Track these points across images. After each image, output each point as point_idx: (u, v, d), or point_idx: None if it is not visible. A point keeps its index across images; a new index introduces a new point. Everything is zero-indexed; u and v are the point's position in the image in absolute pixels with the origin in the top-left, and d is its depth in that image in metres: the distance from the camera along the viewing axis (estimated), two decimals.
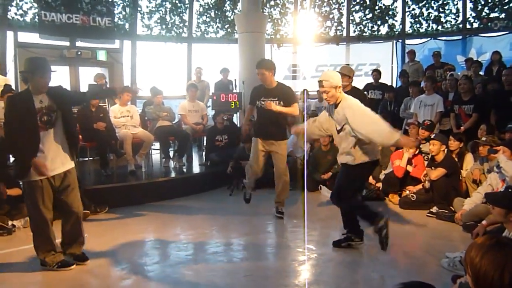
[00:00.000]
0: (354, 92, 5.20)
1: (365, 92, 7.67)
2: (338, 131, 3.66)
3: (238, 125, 8.20)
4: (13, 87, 6.34)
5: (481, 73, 7.92)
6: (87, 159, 6.49)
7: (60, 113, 3.34)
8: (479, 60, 8.71)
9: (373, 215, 3.64)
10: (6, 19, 8.41)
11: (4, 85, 5.90)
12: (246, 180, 5.11)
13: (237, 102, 8.03)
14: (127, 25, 9.88)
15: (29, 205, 3.40)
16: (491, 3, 9.88)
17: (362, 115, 3.46)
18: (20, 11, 8.62)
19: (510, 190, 2.58)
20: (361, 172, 3.70)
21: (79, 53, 8.79)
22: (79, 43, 9.16)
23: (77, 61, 8.97)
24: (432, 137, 5.45)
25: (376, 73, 8.48)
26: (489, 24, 9.84)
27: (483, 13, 9.98)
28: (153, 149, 7.18)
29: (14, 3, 8.54)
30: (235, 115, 8.87)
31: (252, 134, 4.97)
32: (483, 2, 9.95)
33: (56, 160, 3.33)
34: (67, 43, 9.03)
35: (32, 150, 3.21)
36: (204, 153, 7.67)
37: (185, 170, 6.77)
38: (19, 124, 3.18)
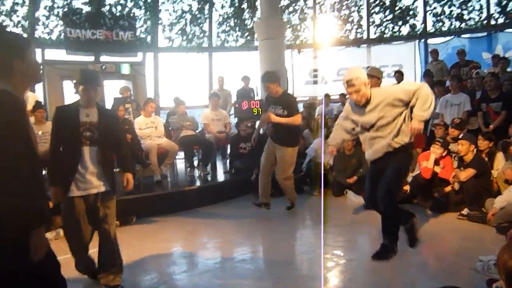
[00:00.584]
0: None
1: None
2: (369, 128, 3.43)
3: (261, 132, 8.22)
4: (42, 103, 6.55)
5: (509, 69, 7.68)
6: (114, 170, 6.60)
7: (104, 133, 3.20)
8: (506, 56, 8.46)
9: (406, 213, 3.48)
10: (33, 38, 8.74)
11: (36, 101, 6.12)
12: (258, 199, 5.26)
13: (259, 109, 8.04)
14: (149, 38, 10.10)
15: (63, 220, 3.34)
16: None
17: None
18: (47, 29, 8.96)
19: None
20: (407, 156, 3.44)
21: (103, 67, 9.01)
22: (103, 58, 9.39)
23: (102, 75, 9.17)
24: (460, 137, 5.33)
25: (399, 74, 8.35)
26: None
27: (508, 8, 9.70)
28: (178, 158, 7.27)
29: (40, 23, 8.88)
30: (257, 121, 8.89)
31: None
32: None
33: (92, 179, 3.17)
34: (92, 58, 9.28)
35: (72, 163, 3.10)
36: (228, 161, 7.71)
37: (209, 178, 6.81)
38: (62, 134, 3.13)
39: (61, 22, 8.97)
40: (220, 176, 7.19)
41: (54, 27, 9.03)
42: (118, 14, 9.60)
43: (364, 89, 3.33)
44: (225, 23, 10.73)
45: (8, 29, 8.48)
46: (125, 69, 9.52)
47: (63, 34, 8.87)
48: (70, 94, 8.97)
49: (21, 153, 1.67)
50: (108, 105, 7.66)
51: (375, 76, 4.95)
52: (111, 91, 8.73)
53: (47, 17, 8.98)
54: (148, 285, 3.45)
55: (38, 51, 8.82)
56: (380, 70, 5.31)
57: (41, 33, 8.92)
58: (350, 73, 3.40)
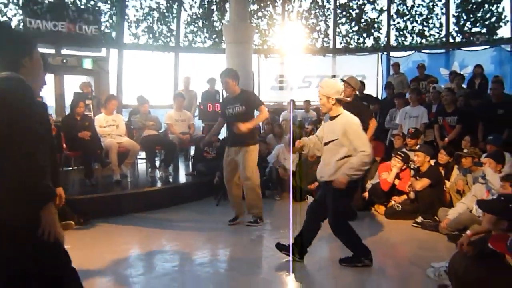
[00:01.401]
0: (355, 104, 5.29)
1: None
2: (326, 143, 3.64)
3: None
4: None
5: (464, 86, 8.08)
6: (71, 168, 6.39)
7: None
8: (462, 73, 8.90)
9: (365, 250, 3.65)
10: None
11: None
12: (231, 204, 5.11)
13: None
14: (114, 34, 9.85)
15: None
16: (473, 18, 10.17)
17: (360, 134, 3.52)
18: (5, 18, 8.52)
19: (502, 198, 2.61)
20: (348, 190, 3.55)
21: (64, 61, 8.71)
22: (64, 51, 9.08)
23: (62, 69, 8.87)
24: (417, 148, 5.55)
25: (360, 84, 8.55)
26: (471, 38, 10.11)
27: (466, 28, 10.25)
28: (139, 158, 7.12)
29: None
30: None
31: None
32: (465, 17, 10.23)
33: None
34: (53, 51, 8.94)
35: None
36: (191, 163, 7.63)
37: (171, 180, 6.70)
38: None
39: (20, 11, 8.57)
40: (182, 178, 7.11)
41: (13, 15, 8.62)
42: (82, 6, 9.30)
43: (324, 100, 3.52)
44: (193, 23, 10.65)
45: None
46: (87, 64, 9.24)
47: (22, 23, 8.48)
48: None
49: (35, 131, 1.77)
50: (68, 100, 7.41)
51: (350, 85, 5.08)
52: (72, 86, 8.45)
53: (6, 5, 8.54)
54: (104, 287, 3.34)
55: None
56: (358, 81, 5.43)
57: None
58: (322, 82, 3.66)
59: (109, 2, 9.71)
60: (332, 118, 3.61)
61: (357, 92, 5.35)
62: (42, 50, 8.52)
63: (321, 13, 11.06)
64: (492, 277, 1.28)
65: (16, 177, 1.72)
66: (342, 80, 5.47)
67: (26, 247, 1.79)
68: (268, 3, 11.01)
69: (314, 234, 3.78)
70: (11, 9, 8.58)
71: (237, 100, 4.78)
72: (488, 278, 1.29)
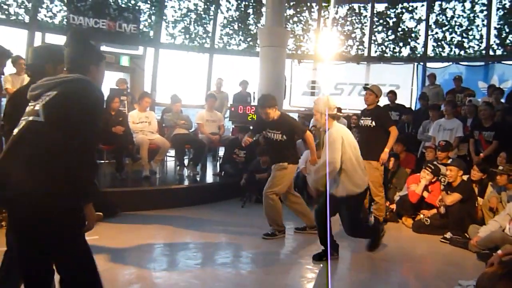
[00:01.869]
0: (377, 110, 5.28)
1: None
2: None
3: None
4: None
5: (502, 100, 7.80)
6: (103, 161, 6.57)
7: None
8: (501, 87, 8.59)
9: (377, 230, 4.23)
10: (35, 21, 8.67)
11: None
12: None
13: (255, 115, 8.06)
14: (151, 33, 10.08)
15: None
16: None
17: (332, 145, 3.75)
18: (50, 13, 8.88)
19: None
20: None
21: None
22: (103, 48, 9.35)
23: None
24: (449, 162, 5.40)
25: (392, 94, 8.38)
26: None
27: (507, 41, 9.88)
28: (169, 156, 7.24)
29: (44, 6, 8.82)
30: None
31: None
32: (507, 30, 9.86)
33: None
34: None
35: None
36: (219, 163, 7.69)
37: (198, 179, 6.79)
38: None
39: (65, 8, 8.92)
40: (209, 178, 7.18)
41: (57, 11, 8.96)
42: (123, 5, 9.57)
43: (317, 115, 3.95)
44: (229, 26, 10.75)
45: (11, 9, 8.43)
46: (125, 61, 9.50)
47: (65, 19, 8.82)
48: None
49: (99, 132, 2.08)
50: (104, 95, 7.60)
51: (374, 92, 5.11)
52: (108, 81, 8.69)
53: (51, 1, 8.91)
54: (127, 279, 3.41)
55: (38, 35, 8.77)
56: (381, 89, 5.40)
57: (43, 16, 8.85)
58: (315, 99, 4.13)
59: (148, 2, 9.95)
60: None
61: (379, 100, 5.39)
62: None
63: (357, 21, 10.93)
64: None
65: (73, 171, 1.87)
66: (365, 87, 5.45)
67: (65, 236, 1.95)
68: (305, 8, 10.98)
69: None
70: (56, 5, 8.94)
71: (278, 127, 4.65)
72: None
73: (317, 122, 4.00)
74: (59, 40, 8.94)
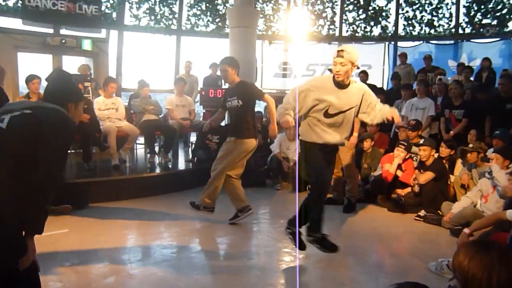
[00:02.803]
0: None
1: None
2: (339, 112, 3.38)
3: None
4: None
5: (472, 78, 7.92)
6: (69, 151, 6.28)
7: None
8: (470, 65, 8.73)
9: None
10: None
11: None
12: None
13: None
14: (114, 14, 9.63)
15: None
16: (484, 9, 9.92)
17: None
18: None
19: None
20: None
21: (63, 41, 8.52)
22: (63, 31, 8.89)
23: (61, 49, 8.70)
24: (421, 142, 5.43)
25: (363, 74, 8.35)
26: (481, 30, 9.89)
27: (476, 19, 10.02)
28: (138, 143, 7.01)
29: None
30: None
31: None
32: (476, 8, 9.99)
33: None
34: (51, 31, 8.75)
35: None
36: (191, 149, 7.52)
37: (170, 166, 6.62)
38: None
39: None
40: (181, 165, 7.03)
41: None
42: None
43: (349, 66, 3.25)
44: (197, 6, 10.41)
45: None
46: (87, 45, 9.06)
47: (20, 2, 8.28)
48: (25, 66, 8.45)
49: (65, 160, 2.15)
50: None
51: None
52: (70, 67, 8.29)
53: None
54: (102, 272, 3.27)
55: None
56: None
57: None
58: (346, 46, 3.38)
59: None
60: (344, 87, 3.35)
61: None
62: (40, 29, 8.37)
63: (327, 0, 10.82)
64: (496, 270, 1.30)
65: (31, 190, 1.85)
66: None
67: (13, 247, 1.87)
68: None
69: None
70: None
71: (234, 93, 4.40)
72: (492, 270, 1.31)
73: (343, 75, 3.26)
74: (13, 23, 8.43)
